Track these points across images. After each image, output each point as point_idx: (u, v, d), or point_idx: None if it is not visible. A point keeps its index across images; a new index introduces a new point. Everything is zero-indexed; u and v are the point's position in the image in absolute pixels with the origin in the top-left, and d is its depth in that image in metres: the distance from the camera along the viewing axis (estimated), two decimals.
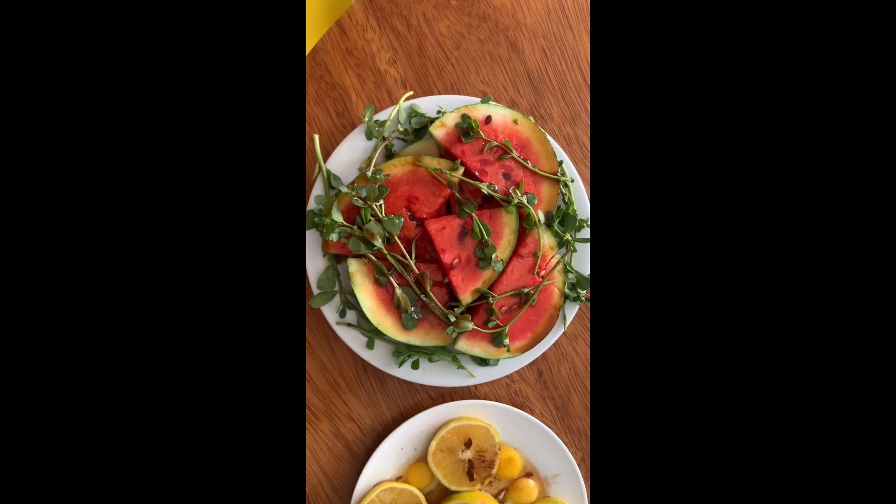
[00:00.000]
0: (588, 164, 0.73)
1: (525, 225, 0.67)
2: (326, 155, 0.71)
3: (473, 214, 0.66)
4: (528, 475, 0.72)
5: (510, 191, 0.66)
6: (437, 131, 0.67)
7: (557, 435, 0.73)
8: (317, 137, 0.68)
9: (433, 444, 0.70)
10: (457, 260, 0.66)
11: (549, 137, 0.68)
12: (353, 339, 0.68)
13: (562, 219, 0.68)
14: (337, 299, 0.68)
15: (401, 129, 0.69)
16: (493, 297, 0.66)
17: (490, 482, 0.71)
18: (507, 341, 0.66)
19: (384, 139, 0.69)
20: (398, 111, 0.69)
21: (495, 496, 0.72)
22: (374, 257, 0.65)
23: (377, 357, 0.68)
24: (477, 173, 0.67)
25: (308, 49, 0.90)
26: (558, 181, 0.68)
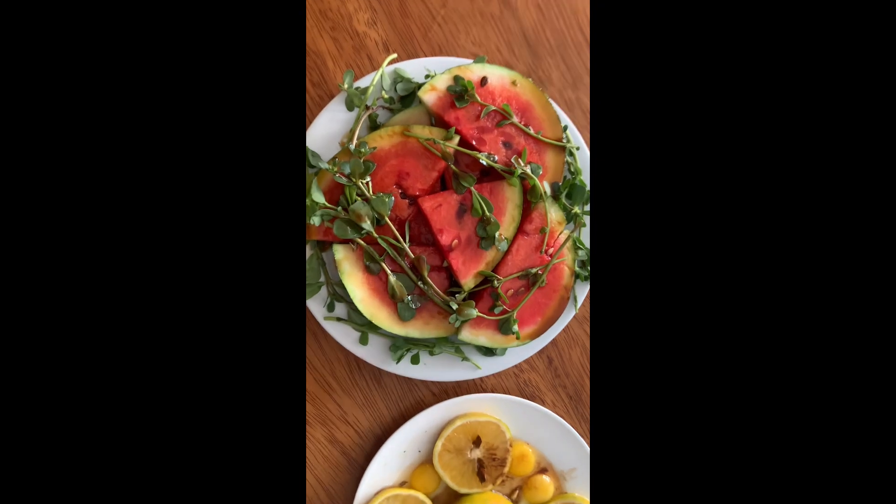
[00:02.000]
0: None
1: (530, 198, 0.65)
2: None
3: (472, 189, 0.64)
4: (543, 471, 0.72)
5: (512, 161, 0.64)
6: (427, 96, 0.64)
7: (572, 426, 0.72)
8: None
9: (438, 444, 0.69)
10: (456, 241, 0.64)
11: (550, 101, 0.65)
12: (344, 335, 0.67)
13: (569, 190, 0.67)
14: (324, 291, 0.67)
15: (385, 97, 0.67)
16: (497, 279, 0.64)
17: (502, 481, 0.71)
18: (515, 328, 0.64)
19: (367, 108, 0.67)
20: (381, 76, 0.66)
21: (508, 496, 0.72)
22: (362, 242, 0.64)
23: (372, 353, 0.67)
24: (474, 142, 0.65)
25: None
26: (564, 148, 0.65)
